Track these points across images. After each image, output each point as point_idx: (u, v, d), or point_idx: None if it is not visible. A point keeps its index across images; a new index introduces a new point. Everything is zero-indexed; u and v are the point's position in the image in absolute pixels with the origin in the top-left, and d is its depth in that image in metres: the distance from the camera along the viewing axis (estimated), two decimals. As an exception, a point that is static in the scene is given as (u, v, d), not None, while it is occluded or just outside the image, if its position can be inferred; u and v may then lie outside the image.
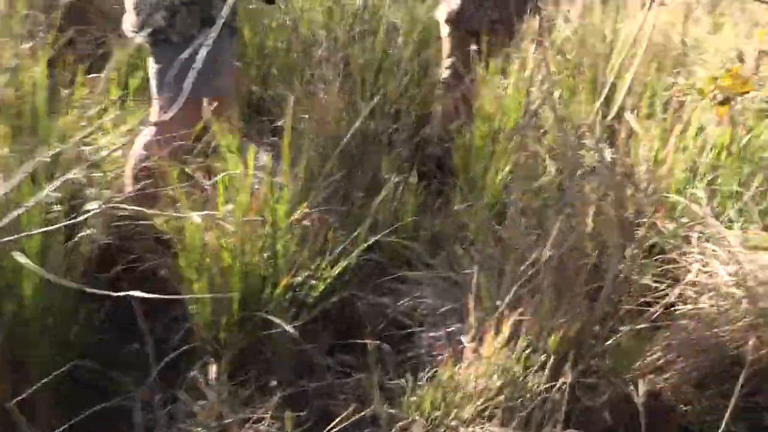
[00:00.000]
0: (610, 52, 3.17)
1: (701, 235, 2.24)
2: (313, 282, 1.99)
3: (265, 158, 2.28)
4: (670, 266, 2.25)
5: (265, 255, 1.93)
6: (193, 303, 1.87)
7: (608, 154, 2.28)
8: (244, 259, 1.89)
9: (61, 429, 1.51)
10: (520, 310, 1.73)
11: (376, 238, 2.01)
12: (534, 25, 3.07)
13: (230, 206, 1.98)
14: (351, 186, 2.24)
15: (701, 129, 2.69)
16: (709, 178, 2.56)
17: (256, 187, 2.02)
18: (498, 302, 1.78)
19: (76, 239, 1.79)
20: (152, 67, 2.26)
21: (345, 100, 2.92)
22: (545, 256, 1.75)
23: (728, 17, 4.06)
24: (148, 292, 1.67)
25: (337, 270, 1.96)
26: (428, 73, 3.36)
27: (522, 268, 1.76)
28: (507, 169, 2.55)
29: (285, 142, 2.01)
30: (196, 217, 1.89)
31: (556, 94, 3.09)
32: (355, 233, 2.00)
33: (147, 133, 2.31)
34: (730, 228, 2.38)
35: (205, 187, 2.04)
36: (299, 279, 1.97)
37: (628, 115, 2.55)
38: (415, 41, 3.43)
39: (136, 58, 3.21)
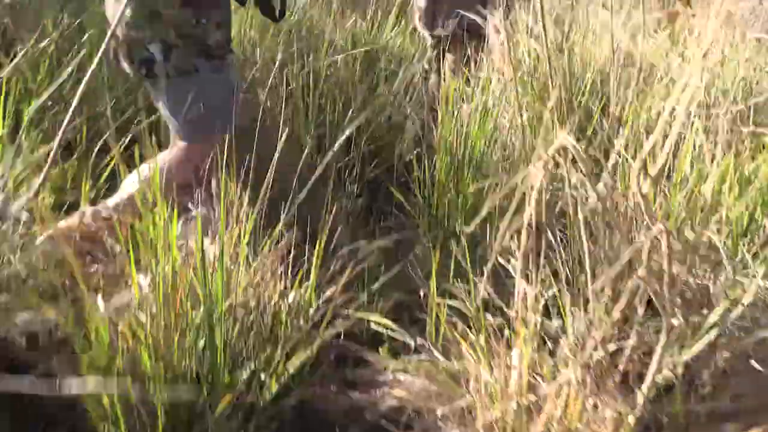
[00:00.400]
0: (582, 71, 2.82)
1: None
2: (263, 376, 1.52)
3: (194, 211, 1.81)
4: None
5: (200, 347, 1.45)
6: (101, 421, 1.37)
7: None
8: (170, 356, 1.40)
9: None
10: (544, 415, 1.31)
11: (345, 327, 1.54)
12: (494, 39, 2.75)
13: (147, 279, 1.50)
14: (302, 246, 1.76)
15: (698, 157, 2.35)
16: (714, 215, 2.20)
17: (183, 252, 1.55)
18: (513, 403, 1.36)
19: None
20: (163, 103, 2.09)
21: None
22: (572, 345, 1.34)
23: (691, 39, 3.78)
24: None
25: (295, 364, 1.48)
26: (377, 96, 2.93)
27: (550, 364, 1.33)
28: (484, 210, 2.13)
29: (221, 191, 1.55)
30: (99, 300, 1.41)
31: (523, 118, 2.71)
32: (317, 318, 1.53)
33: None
34: (747, 276, 2.04)
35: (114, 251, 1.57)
36: (244, 375, 1.49)
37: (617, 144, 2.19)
38: (359, 61, 3.01)
39: (31, 82, 2.70)
